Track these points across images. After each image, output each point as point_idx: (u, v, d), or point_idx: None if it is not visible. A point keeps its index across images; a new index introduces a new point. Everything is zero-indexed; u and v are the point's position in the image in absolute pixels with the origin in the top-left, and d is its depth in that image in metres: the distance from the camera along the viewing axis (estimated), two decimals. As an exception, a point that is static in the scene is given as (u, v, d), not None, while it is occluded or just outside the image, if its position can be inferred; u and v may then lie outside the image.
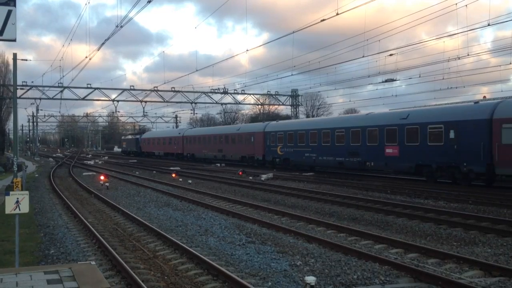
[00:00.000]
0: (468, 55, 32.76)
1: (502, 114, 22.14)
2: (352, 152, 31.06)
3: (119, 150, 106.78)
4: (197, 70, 44.22)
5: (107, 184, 28.63)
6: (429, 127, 25.84)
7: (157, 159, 66.94)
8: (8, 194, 9.35)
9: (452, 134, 24.41)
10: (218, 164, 48.58)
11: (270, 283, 9.18)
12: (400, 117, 28.05)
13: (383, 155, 28.50)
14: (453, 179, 24.78)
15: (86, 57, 33.78)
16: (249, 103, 64.96)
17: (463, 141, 23.83)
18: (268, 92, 60.05)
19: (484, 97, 31.50)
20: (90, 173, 40.25)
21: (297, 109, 61.76)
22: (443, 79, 37.20)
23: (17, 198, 9.24)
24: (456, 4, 25.49)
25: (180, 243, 12.03)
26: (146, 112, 63.40)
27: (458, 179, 24.44)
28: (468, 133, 23.57)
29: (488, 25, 25.55)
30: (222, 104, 61.92)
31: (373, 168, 30.24)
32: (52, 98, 52.29)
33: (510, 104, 22.74)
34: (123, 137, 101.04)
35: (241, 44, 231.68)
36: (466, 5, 25.71)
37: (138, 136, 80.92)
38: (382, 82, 42.92)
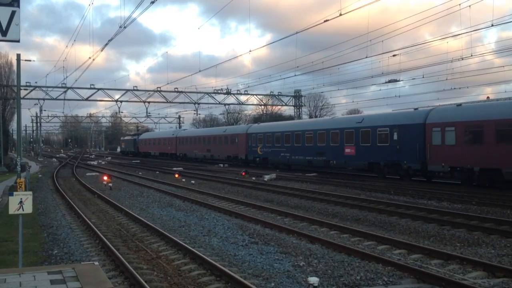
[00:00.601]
0: (472, 55, 32.74)
1: (433, 119, 25.86)
2: (319, 152, 35.03)
3: None
4: (200, 71, 44.53)
5: (110, 184, 28.67)
6: (378, 130, 29.60)
7: (160, 159, 67.92)
8: (12, 195, 9.37)
9: (395, 136, 28.21)
10: (221, 165, 48.66)
11: (273, 284, 9.18)
12: (356, 121, 32.21)
13: (343, 154, 32.41)
14: (398, 175, 28.40)
15: (90, 57, 33.84)
16: (252, 104, 64.82)
17: (403, 142, 27.57)
18: (271, 93, 60.04)
19: (488, 97, 31.38)
20: (94, 174, 40.31)
21: (300, 110, 61.75)
22: (446, 79, 37.18)
23: (21, 199, 9.27)
24: (459, 4, 25.46)
25: (183, 244, 12.04)
26: (149, 113, 63.39)
27: (401, 175, 28.03)
28: (407, 136, 27.33)
29: (492, 25, 25.49)
30: (225, 104, 61.94)
31: (335, 166, 34.15)
32: (56, 99, 52.41)
33: (439, 111, 26.49)
34: (122, 138, 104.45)
35: (244, 45, 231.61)
36: (469, 6, 25.69)
37: (135, 137, 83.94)
38: (386, 82, 42.84)
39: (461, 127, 24.13)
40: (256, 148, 43.81)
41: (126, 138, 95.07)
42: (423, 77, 40.26)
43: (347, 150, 32.07)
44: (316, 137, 35.48)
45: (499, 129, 22.24)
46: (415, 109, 29.59)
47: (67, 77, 49.29)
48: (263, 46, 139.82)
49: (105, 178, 30.54)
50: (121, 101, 55.47)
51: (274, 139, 40.97)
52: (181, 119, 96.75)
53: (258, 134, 43.75)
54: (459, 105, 26.34)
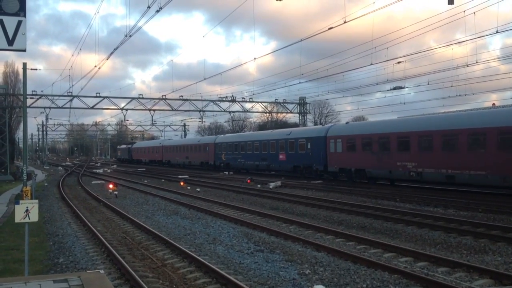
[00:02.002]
0: (477, 62, 32.65)
1: (330, 133, 34.61)
2: (263, 158, 43.65)
3: None
4: (205, 79, 44.39)
5: (116, 192, 28.71)
6: (299, 141, 38.27)
7: (163, 167, 69.27)
8: (18, 203, 9.40)
9: (309, 146, 36.76)
10: (226, 172, 48.79)
11: (278, 292, 9.14)
12: (286, 134, 41.17)
13: (278, 160, 41.16)
14: (310, 174, 36.59)
15: (95, 66, 33.96)
16: (257, 111, 64.79)
17: (314, 150, 36.17)
18: (276, 100, 60.08)
19: (494, 104, 31.24)
20: (99, 182, 40.40)
21: (305, 117, 61.71)
22: (451, 86, 37.03)
23: (27, 207, 9.29)
24: (464, 11, 25.45)
25: (189, 252, 12.03)
26: (155, 121, 63.54)
27: (312, 174, 36.43)
28: (316, 145, 35.84)
29: (497, 32, 25.45)
30: (230, 112, 62.02)
31: (273, 169, 42.94)
32: (62, 107, 52.60)
33: (334, 127, 36.24)
34: (118, 147, 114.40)
35: (249, 53, 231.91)
36: (474, 13, 25.68)
37: (129, 146, 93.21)
38: (391, 89, 42.81)
39: (345, 140, 32.83)
40: (221, 155, 51.94)
41: (122, 146, 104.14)
42: (428, 84, 40.13)
43: (281, 156, 40.74)
44: (261, 146, 44.07)
45: (364, 141, 30.80)
46: (322, 125, 38.50)
47: (73, 85, 49.33)
48: (268, 54, 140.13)
49: (111, 186, 30.59)
50: (126, 109, 55.61)
51: (233, 148, 49.49)
52: (186, 127, 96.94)
53: (223, 143, 52.33)
54: (347, 123, 37.30)
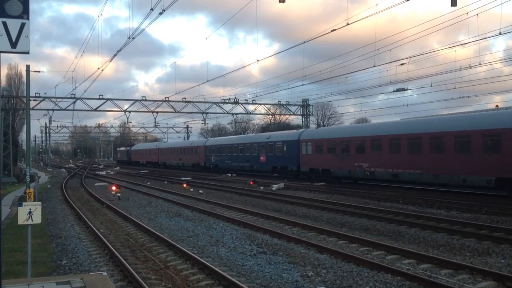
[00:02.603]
0: (480, 64, 32.55)
1: (302, 137, 38.58)
2: (246, 159, 47.57)
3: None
4: (208, 81, 44.44)
5: (118, 194, 28.75)
6: (277, 143, 42.15)
7: (162, 168, 71.21)
8: (21, 205, 9.43)
9: (285, 148, 40.52)
10: (229, 174, 48.85)
11: (281, 294, 9.13)
12: (266, 137, 45.23)
13: (259, 161, 45.06)
14: (286, 174, 40.69)
15: (99, 68, 34.01)
16: (260, 113, 64.68)
17: (289, 153, 40.00)
18: (279, 102, 60.05)
19: (497, 106, 31.19)
20: (102, 184, 40.46)
21: (308, 119, 61.66)
22: (455, 88, 36.94)
23: (30, 209, 9.32)
24: (467, 13, 25.42)
25: (192, 254, 12.04)
26: (158, 123, 63.63)
27: (288, 174, 40.43)
28: (291, 148, 39.65)
29: (500, 34, 25.40)
30: (233, 114, 61.95)
31: (255, 169, 46.88)
32: (65, 109, 52.62)
33: (306, 132, 40.36)
34: (118, 149, 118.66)
35: (252, 55, 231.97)
36: (477, 14, 25.65)
37: (128, 149, 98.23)
38: (394, 91, 42.75)
39: (314, 143, 36.84)
40: (211, 157, 56.00)
41: (121, 149, 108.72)
42: (431, 86, 40.00)
43: (261, 158, 44.73)
44: (244, 149, 48.20)
45: (329, 145, 34.85)
46: (297, 129, 43.49)
47: (76, 87, 49.87)
48: (271, 56, 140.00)
49: (114, 188, 30.64)
50: (129, 111, 55.61)
51: (221, 150, 53.58)
52: (189, 128, 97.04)
53: (212, 146, 56.56)
54: (316, 128, 43.53)
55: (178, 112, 57.79)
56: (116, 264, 11.63)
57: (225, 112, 58.96)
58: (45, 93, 51.66)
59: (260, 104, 58.75)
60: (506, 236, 13.95)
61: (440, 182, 26.29)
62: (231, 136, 66.91)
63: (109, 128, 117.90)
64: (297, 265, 11.32)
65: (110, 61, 32.35)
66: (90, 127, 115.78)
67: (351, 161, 32.10)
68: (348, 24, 22.01)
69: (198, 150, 60.01)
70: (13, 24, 5.02)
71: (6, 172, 47.79)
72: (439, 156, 25.56)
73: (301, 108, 60.81)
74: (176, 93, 54.00)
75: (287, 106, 60.12)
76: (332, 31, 23.39)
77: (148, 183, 41.29)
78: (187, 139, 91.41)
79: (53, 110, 53.07)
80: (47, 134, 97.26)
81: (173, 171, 61.31)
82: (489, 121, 23.64)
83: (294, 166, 39.06)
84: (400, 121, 31.57)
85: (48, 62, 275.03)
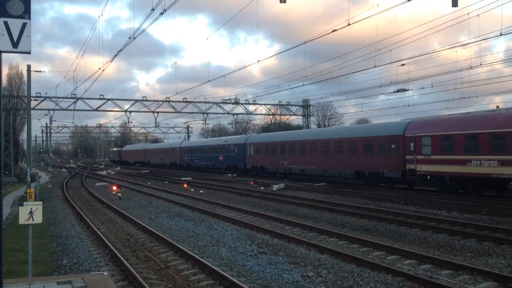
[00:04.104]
0: (480, 64, 32.54)
1: (248, 141, 48.36)
2: (210, 159, 56.98)
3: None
4: (209, 81, 44.51)
5: (119, 194, 28.76)
6: (230, 146, 51.65)
7: (163, 168, 71.64)
8: (22, 205, 9.43)
9: (236, 150, 50.04)
10: (230, 175, 48.89)
11: (282, 294, 9.13)
12: (224, 141, 55.67)
13: (219, 160, 54.39)
14: (237, 171, 50.03)
15: (99, 68, 34.04)
16: (260, 114, 64.67)
17: (238, 153, 49.58)
18: (280, 102, 60.05)
19: (497, 107, 31.16)
20: (103, 184, 40.47)
21: (309, 119, 61.65)
22: (455, 89, 36.95)
23: (31, 209, 9.32)
24: (468, 14, 25.42)
25: (192, 254, 12.04)
26: (158, 123, 63.67)
27: (238, 171, 49.73)
28: (239, 150, 49.28)
29: (501, 34, 25.39)
30: (233, 114, 61.96)
31: (216, 167, 55.65)
32: (66, 109, 52.63)
33: (251, 137, 50.59)
34: (110, 149, 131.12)
35: (252, 55, 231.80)
36: (478, 15, 25.65)
37: (119, 149, 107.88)
38: (394, 92, 42.69)
39: (254, 146, 46.51)
40: (184, 156, 65.44)
41: (113, 149, 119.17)
42: (432, 87, 40.02)
43: (220, 158, 53.94)
44: (209, 150, 57.81)
45: (264, 147, 44.35)
46: (245, 134, 54.63)
47: (77, 87, 49.95)
48: (272, 56, 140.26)
49: (114, 188, 30.63)
50: (130, 111, 55.63)
51: (192, 151, 63.12)
52: (190, 129, 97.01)
53: (185, 148, 66.29)
54: (258, 134, 54.38)
55: (179, 112, 57.79)
56: (117, 264, 11.63)
57: (226, 112, 58.97)
58: (46, 93, 51.78)
59: (261, 104, 58.77)
60: (507, 237, 13.94)
61: (327, 175, 35.80)
62: (199, 140, 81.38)
63: (109, 128, 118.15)
64: (298, 265, 11.32)
65: (111, 61, 32.38)
66: (90, 127, 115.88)
67: (277, 160, 41.76)
68: (349, 24, 22.01)
69: (175, 151, 69.61)
70: (15, 24, 5.04)
71: (7, 172, 47.82)
72: (326, 156, 35.15)
73: (301, 109, 60.81)
74: (176, 93, 54.15)
75: (288, 106, 60.12)
76: (333, 31, 23.41)
77: (149, 183, 41.30)
78: (188, 139, 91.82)
79: (54, 110, 53.08)
80: (48, 134, 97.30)
81: (173, 171, 61.47)
82: (351, 131, 35.38)
83: (242, 164, 48.66)
84: (309, 130, 45.43)
85: (50, 62, 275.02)
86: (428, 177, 25.99)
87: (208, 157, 57.09)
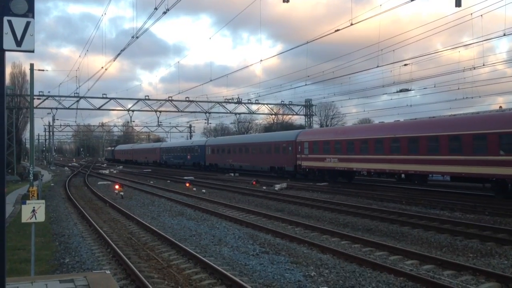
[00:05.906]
0: (483, 65, 32.49)
1: (207, 143, 59.72)
2: (181, 157, 67.63)
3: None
4: (211, 80, 44.36)
5: (121, 193, 28.80)
6: (195, 147, 62.16)
7: (169, 168, 71.45)
8: (25, 203, 9.44)
9: (199, 150, 60.58)
10: (232, 174, 48.88)
11: (284, 294, 9.13)
12: (191, 142, 68.24)
13: (188, 158, 64.65)
14: (200, 168, 60.40)
15: (102, 67, 34.06)
16: (263, 113, 64.68)
17: (200, 153, 60.22)
18: (282, 102, 60.06)
19: (500, 107, 31.08)
20: (105, 183, 40.52)
21: (311, 119, 61.64)
22: (458, 89, 36.90)
23: (33, 207, 9.33)
24: (471, 14, 25.38)
25: (194, 253, 12.05)
26: (161, 122, 63.64)
27: (200, 168, 60.18)
28: (201, 150, 59.88)
29: (504, 35, 25.36)
30: (236, 114, 62.03)
31: (186, 164, 66.46)
32: (68, 108, 52.70)
33: (209, 140, 65.18)
34: (105, 149, 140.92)
35: (255, 55, 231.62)
36: (481, 15, 25.67)
37: (113, 148, 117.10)
38: (397, 92, 42.62)
39: (211, 147, 57.36)
40: (163, 156, 76.16)
41: (108, 149, 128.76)
42: (434, 87, 39.93)
43: (188, 157, 64.49)
44: (180, 150, 68.44)
45: (218, 148, 55.29)
46: (207, 138, 71.42)
47: (80, 86, 49.45)
48: (274, 56, 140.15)
49: (117, 187, 30.67)
50: (133, 111, 55.71)
51: (168, 151, 74.25)
52: (192, 128, 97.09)
53: (163, 148, 77.88)
54: (214, 137, 74.09)
55: (181, 111, 57.83)
56: (119, 262, 11.65)
57: (228, 111, 59.02)
58: (48, 92, 51.83)
59: (263, 104, 58.80)
60: (509, 237, 13.92)
61: (255, 169, 47.70)
62: (175, 141, 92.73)
63: (112, 127, 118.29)
64: (300, 265, 11.32)
65: (114, 60, 32.41)
66: (93, 126, 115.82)
67: (225, 159, 52.80)
68: (352, 24, 21.99)
69: (156, 151, 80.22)
70: (18, 23, 5.03)
71: (10, 170, 47.94)
72: (254, 156, 46.60)
73: (304, 108, 60.80)
74: (179, 93, 54.00)
75: (290, 106, 60.12)
76: (336, 31, 23.37)
77: (151, 182, 41.34)
78: (190, 138, 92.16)
79: (56, 108, 53.19)
80: (51, 133, 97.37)
81: (176, 171, 61.70)
82: (268, 137, 46.61)
83: (203, 162, 59.39)
84: (245, 136, 61.14)
85: (53, 61, 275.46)
86: (307, 169, 37.58)
87: (180, 156, 68.28)
